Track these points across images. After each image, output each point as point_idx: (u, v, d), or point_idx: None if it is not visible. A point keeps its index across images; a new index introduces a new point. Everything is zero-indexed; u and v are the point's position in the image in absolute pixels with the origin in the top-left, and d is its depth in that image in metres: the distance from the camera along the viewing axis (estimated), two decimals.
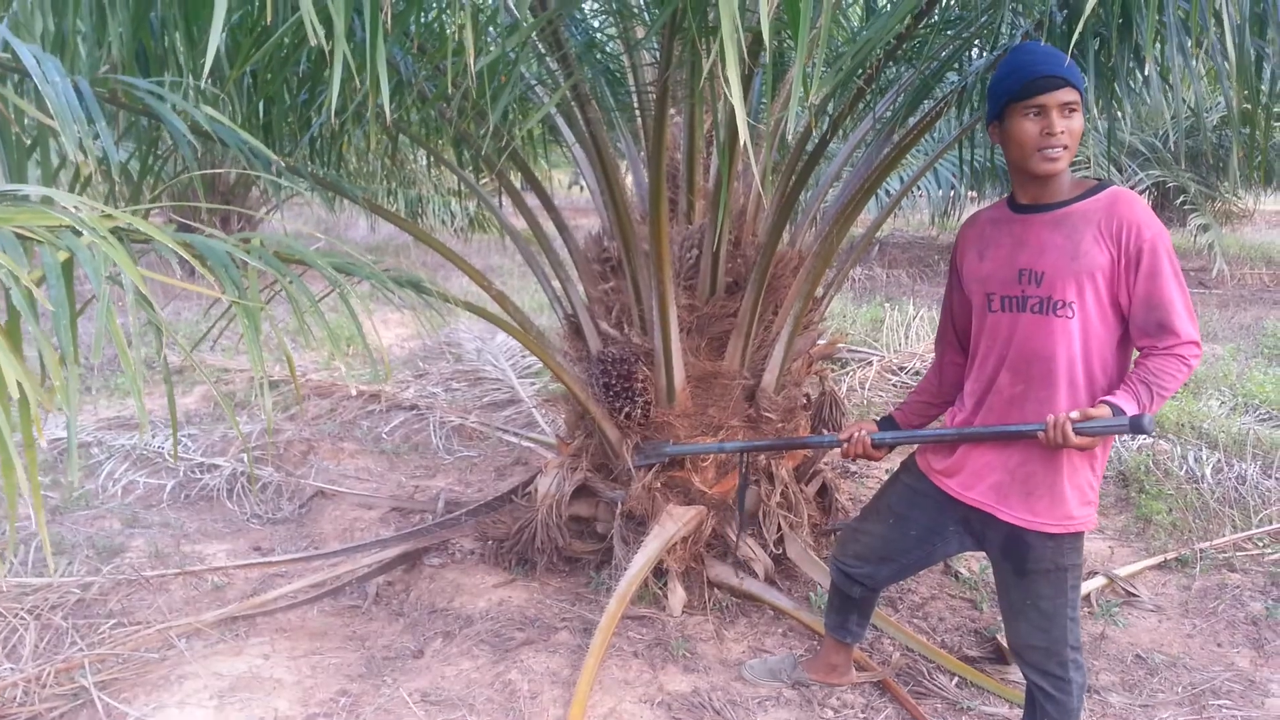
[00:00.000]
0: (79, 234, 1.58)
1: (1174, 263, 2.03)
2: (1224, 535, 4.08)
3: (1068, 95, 2.02)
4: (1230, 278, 10.25)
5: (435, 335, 7.27)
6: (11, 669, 2.88)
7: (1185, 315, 2.00)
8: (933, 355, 2.62)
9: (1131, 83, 2.80)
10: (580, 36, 3.51)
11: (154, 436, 5.00)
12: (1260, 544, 4.02)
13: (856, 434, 2.52)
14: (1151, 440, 4.97)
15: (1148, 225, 2.02)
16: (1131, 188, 8.94)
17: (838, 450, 2.62)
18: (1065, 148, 2.05)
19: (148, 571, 3.59)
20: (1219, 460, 4.68)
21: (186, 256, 1.56)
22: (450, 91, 2.44)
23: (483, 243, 11.19)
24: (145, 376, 6.14)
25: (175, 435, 1.96)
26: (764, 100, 3.59)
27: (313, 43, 1.73)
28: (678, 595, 3.33)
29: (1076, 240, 2.06)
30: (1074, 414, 2.03)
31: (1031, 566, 2.22)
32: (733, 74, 1.48)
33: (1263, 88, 2.66)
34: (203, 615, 3.26)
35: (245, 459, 4.74)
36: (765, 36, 1.55)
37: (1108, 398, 2.02)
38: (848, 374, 6.31)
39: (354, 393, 5.68)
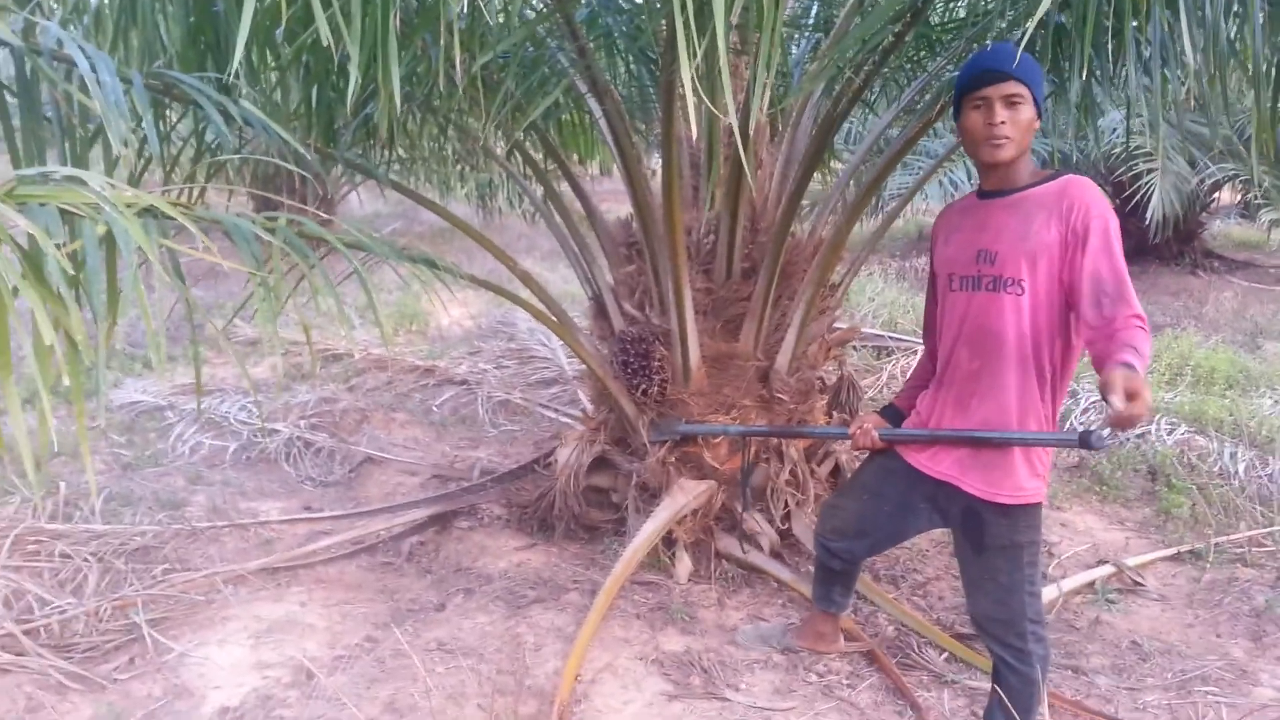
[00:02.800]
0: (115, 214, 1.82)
1: (1119, 245, 2.10)
2: (1240, 530, 4.09)
3: (1011, 88, 2.14)
4: None
5: (491, 315, 7.54)
6: (74, 603, 3.20)
7: (1132, 292, 2.06)
8: None
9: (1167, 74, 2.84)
10: (623, 26, 3.66)
11: (222, 402, 5.35)
12: (1278, 540, 4.02)
13: (865, 426, 2.62)
14: (1187, 435, 4.96)
15: (1096, 205, 2.11)
16: (1202, 181, 8.74)
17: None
18: (1009, 138, 2.17)
19: (202, 524, 3.90)
20: (1253, 458, 4.66)
21: (201, 237, 1.78)
22: (470, 79, 2.64)
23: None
24: (217, 347, 6.53)
25: (199, 401, 2.21)
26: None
27: (324, 44, 1.94)
28: (684, 564, 3.51)
29: (1029, 222, 2.17)
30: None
31: (989, 542, 2.34)
32: (686, 88, 1.64)
33: None
34: (247, 564, 3.55)
35: (302, 425, 5.06)
36: (721, 49, 1.71)
37: (1119, 359, 1.94)
38: (891, 361, 6.38)
39: (357, 357, 5.95)
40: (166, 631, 3.12)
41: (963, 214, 2.40)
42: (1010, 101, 2.15)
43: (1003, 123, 2.15)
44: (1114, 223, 2.13)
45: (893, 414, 2.69)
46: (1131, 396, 1.81)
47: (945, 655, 3.14)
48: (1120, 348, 1.97)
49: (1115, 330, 2.04)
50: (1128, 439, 4.97)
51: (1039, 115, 2.23)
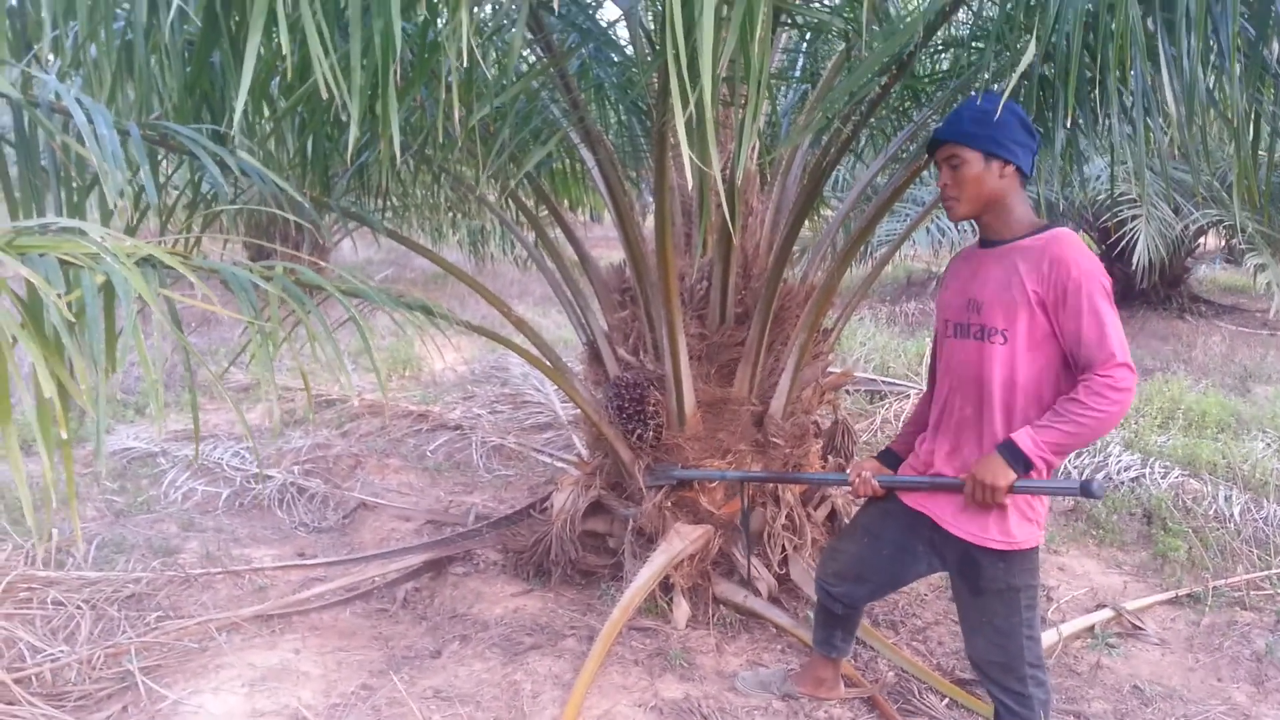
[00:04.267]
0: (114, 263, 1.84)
1: (1103, 298, 2.13)
2: (1238, 573, 4.09)
3: (948, 150, 2.27)
4: None
5: (484, 360, 7.56)
6: (67, 651, 3.17)
7: (1112, 342, 2.09)
8: None
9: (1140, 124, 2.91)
10: (614, 78, 3.74)
11: (214, 449, 5.34)
12: (1276, 583, 4.02)
13: (864, 474, 2.64)
14: (1181, 478, 4.97)
15: (1076, 264, 2.13)
16: (1187, 227, 8.84)
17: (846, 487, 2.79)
18: (954, 197, 2.29)
19: (196, 570, 3.88)
20: (1247, 501, 4.67)
21: (199, 285, 1.80)
22: (467, 131, 2.68)
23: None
24: (210, 393, 6.53)
25: (197, 448, 2.21)
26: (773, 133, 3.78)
27: (324, 97, 1.98)
28: (682, 609, 3.49)
29: (1010, 274, 2.22)
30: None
31: (985, 586, 2.34)
32: (681, 138, 1.68)
33: None
34: (241, 611, 3.53)
35: (296, 471, 5.05)
36: (708, 101, 1.75)
37: (1012, 434, 2.20)
38: (884, 406, 6.40)
39: (356, 403, 5.99)
40: (160, 679, 3.09)
41: (964, 262, 2.45)
42: (951, 164, 2.26)
43: (945, 184, 2.28)
44: (1094, 275, 2.14)
45: (890, 458, 2.71)
46: (977, 483, 2.22)
47: (946, 701, 3.12)
48: (1041, 417, 2.20)
49: (1074, 390, 2.15)
50: (1123, 484, 4.99)
51: (1014, 164, 2.25)
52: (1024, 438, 2.15)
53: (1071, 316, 2.13)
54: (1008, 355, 2.23)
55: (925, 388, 2.72)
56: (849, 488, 2.69)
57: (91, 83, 2.89)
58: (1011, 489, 2.22)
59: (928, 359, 2.70)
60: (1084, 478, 2.10)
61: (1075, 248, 2.17)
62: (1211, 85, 2.70)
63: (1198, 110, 2.61)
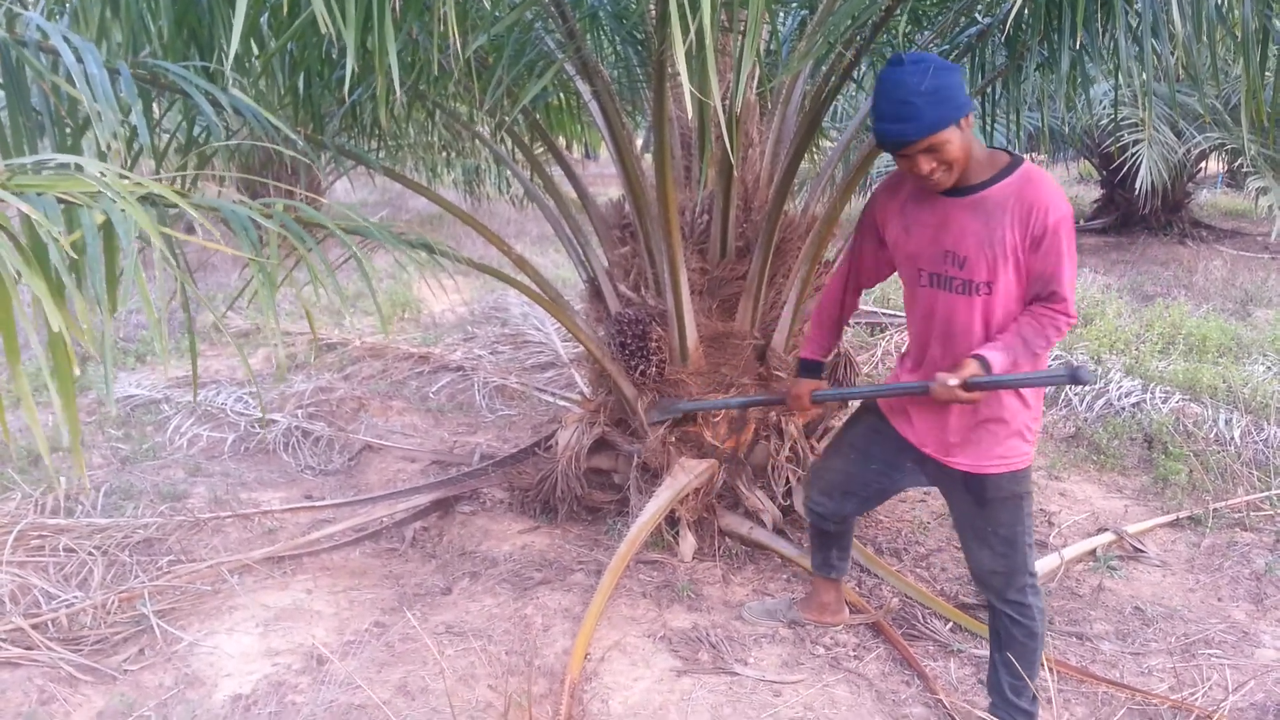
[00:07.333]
0: (115, 201, 1.81)
1: (1071, 243, 2.19)
2: (1238, 495, 4.12)
3: (925, 144, 2.13)
4: None
5: (484, 301, 7.53)
6: (81, 597, 3.20)
7: (1069, 288, 2.19)
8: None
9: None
10: (610, 6, 3.65)
11: (217, 394, 5.34)
12: (1276, 504, 4.05)
13: (795, 391, 2.78)
14: (1182, 403, 4.99)
15: (1054, 208, 2.16)
16: (1189, 151, 8.75)
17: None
18: (945, 174, 2.20)
19: (205, 515, 3.90)
20: (1247, 423, 4.69)
21: (201, 220, 1.78)
22: (461, 65, 2.63)
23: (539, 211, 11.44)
24: (210, 339, 6.52)
25: (195, 388, 2.21)
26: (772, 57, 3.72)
27: (323, 31, 1.94)
28: (688, 542, 3.53)
29: (992, 226, 2.20)
30: (951, 380, 2.22)
31: (991, 495, 2.39)
32: (680, 67, 1.64)
33: None
34: (252, 554, 3.56)
35: (299, 415, 5.06)
36: (707, 27, 1.71)
37: (979, 351, 2.22)
38: (885, 337, 6.40)
39: (358, 343, 5.97)
40: (174, 622, 3.13)
41: (918, 203, 2.37)
42: (929, 153, 2.16)
43: (929, 172, 2.19)
44: (1068, 222, 2.18)
45: (812, 368, 2.80)
46: (948, 384, 2.19)
47: (950, 625, 3.17)
48: (999, 337, 2.25)
49: (1029, 312, 2.24)
50: (1124, 409, 5.01)
51: (970, 112, 2.20)
52: (994, 356, 2.20)
53: (1043, 257, 2.18)
54: (989, 305, 2.27)
55: (836, 296, 2.71)
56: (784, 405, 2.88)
57: (79, 20, 2.83)
58: (988, 385, 2.23)
59: (842, 262, 2.71)
60: (1071, 366, 2.14)
61: (1051, 189, 2.18)
62: (1220, 2, 2.65)
63: (1205, 28, 2.57)
